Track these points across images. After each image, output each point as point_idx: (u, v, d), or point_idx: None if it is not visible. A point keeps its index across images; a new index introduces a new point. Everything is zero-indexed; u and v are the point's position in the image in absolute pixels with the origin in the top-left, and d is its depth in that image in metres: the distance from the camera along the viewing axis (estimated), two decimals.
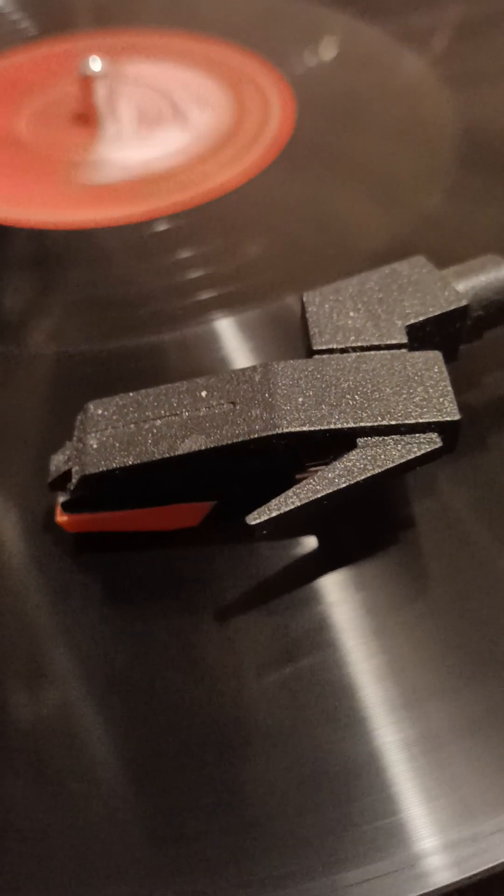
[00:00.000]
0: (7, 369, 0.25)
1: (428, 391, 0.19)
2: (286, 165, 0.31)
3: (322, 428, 0.18)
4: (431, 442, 0.19)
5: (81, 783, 0.17)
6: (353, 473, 0.18)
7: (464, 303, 0.21)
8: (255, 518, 0.18)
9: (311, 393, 0.19)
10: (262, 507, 0.18)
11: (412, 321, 0.20)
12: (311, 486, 0.18)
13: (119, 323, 0.26)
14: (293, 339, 0.23)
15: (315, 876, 0.15)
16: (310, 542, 0.20)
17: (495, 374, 0.23)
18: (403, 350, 0.20)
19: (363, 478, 0.18)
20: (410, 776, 0.16)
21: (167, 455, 0.18)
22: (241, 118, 0.34)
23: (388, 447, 0.18)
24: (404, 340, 0.20)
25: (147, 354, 0.25)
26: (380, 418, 0.19)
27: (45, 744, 0.17)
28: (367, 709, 0.17)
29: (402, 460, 0.18)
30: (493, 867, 0.15)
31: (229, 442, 0.18)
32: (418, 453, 0.18)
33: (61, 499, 0.20)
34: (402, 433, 0.19)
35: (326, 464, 0.18)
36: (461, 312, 0.21)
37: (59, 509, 0.20)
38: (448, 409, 0.19)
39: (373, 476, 0.18)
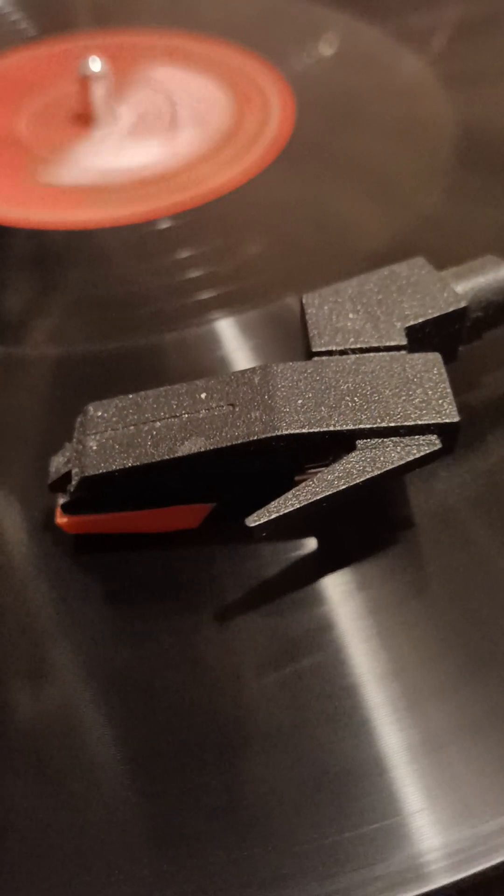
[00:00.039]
0: (7, 369, 0.25)
1: (427, 393, 0.19)
2: (286, 165, 0.31)
3: (321, 430, 0.18)
4: (431, 443, 0.19)
5: (81, 783, 0.17)
6: (353, 475, 0.18)
7: (463, 304, 0.21)
8: (255, 520, 0.18)
9: (310, 395, 0.19)
10: (262, 509, 0.18)
11: (411, 323, 0.20)
12: (310, 487, 0.18)
13: (119, 323, 0.26)
14: (293, 340, 0.23)
15: (315, 876, 0.15)
16: (310, 543, 0.20)
17: (495, 374, 0.23)
18: (403, 352, 0.20)
19: (362, 479, 0.18)
20: (411, 776, 0.17)
21: (167, 457, 0.19)
22: (241, 118, 0.34)
23: (388, 449, 0.18)
24: (403, 342, 0.20)
25: (147, 355, 0.25)
26: (379, 420, 0.19)
27: (45, 744, 0.17)
28: (368, 709, 0.17)
29: (402, 462, 0.18)
30: (493, 867, 0.15)
31: (229, 444, 0.18)
32: (417, 455, 0.18)
33: (61, 500, 0.20)
34: (401, 435, 0.19)
35: (326, 465, 0.19)
36: (460, 314, 0.21)
37: (58, 511, 0.20)
38: (447, 411, 0.19)
39: (372, 478, 0.18)
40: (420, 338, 0.21)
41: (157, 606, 0.19)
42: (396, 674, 0.18)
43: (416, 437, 0.19)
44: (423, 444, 0.19)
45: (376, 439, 0.19)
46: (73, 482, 0.19)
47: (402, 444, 0.19)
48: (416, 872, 0.15)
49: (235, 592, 0.19)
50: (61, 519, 0.20)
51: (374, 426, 0.18)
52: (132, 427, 0.19)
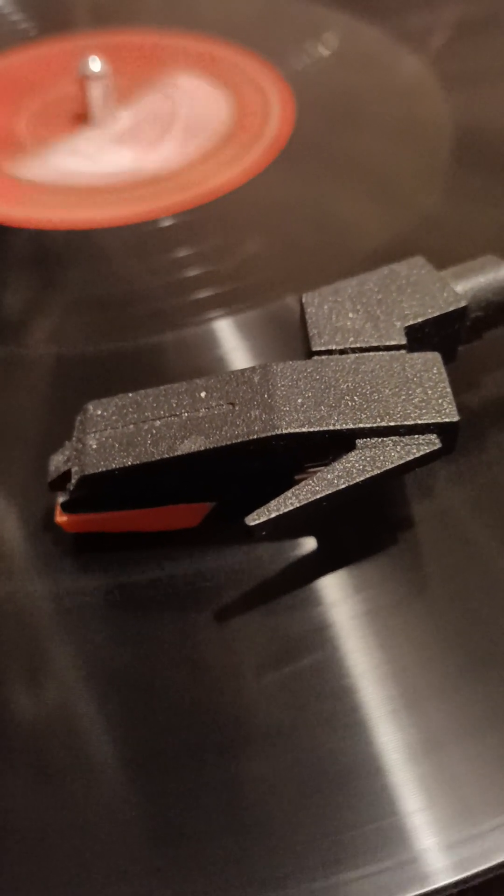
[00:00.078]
0: (7, 369, 0.25)
1: (427, 392, 0.19)
2: (286, 165, 0.31)
3: (321, 429, 0.18)
4: (430, 443, 0.19)
5: (81, 783, 0.17)
6: (353, 474, 0.18)
7: (462, 304, 0.21)
8: (255, 519, 0.18)
9: (310, 394, 0.19)
10: (262, 508, 0.18)
11: (411, 322, 0.20)
12: (310, 487, 0.18)
13: (119, 323, 0.26)
14: (292, 340, 0.23)
15: (315, 876, 0.15)
16: (309, 543, 0.20)
17: (494, 374, 0.23)
18: (402, 351, 0.20)
19: (362, 479, 0.18)
20: (410, 776, 0.17)
21: (166, 456, 0.19)
22: (241, 118, 0.34)
23: (387, 448, 0.18)
24: (403, 341, 0.20)
25: (147, 355, 0.25)
26: (379, 419, 0.19)
27: (46, 743, 0.17)
28: (367, 709, 0.17)
29: (402, 461, 0.18)
30: (493, 867, 0.15)
31: (228, 443, 0.18)
32: (417, 454, 0.18)
33: (61, 499, 0.20)
34: (401, 434, 0.19)
35: (325, 465, 0.19)
36: (460, 313, 0.21)
37: (58, 509, 0.20)
38: (447, 410, 0.19)
39: (372, 477, 0.18)
40: (420, 337, 0.21)
41: (156, 606, 0.19)
42: (396, 673, 0.18)
43: (416, 436, 0.19)
44: (422, 444, 0.19)
45: (376, 438, 0.19)
46: (73, 481, 0.19)
47: (401, 444, 0.19)
48: (416, 872, 0.15)
49: (235, 592, 0.19)
50: (61, 517, 0.20)
51: (374, 425, 0.18)
52: (132, 426, 0.19)
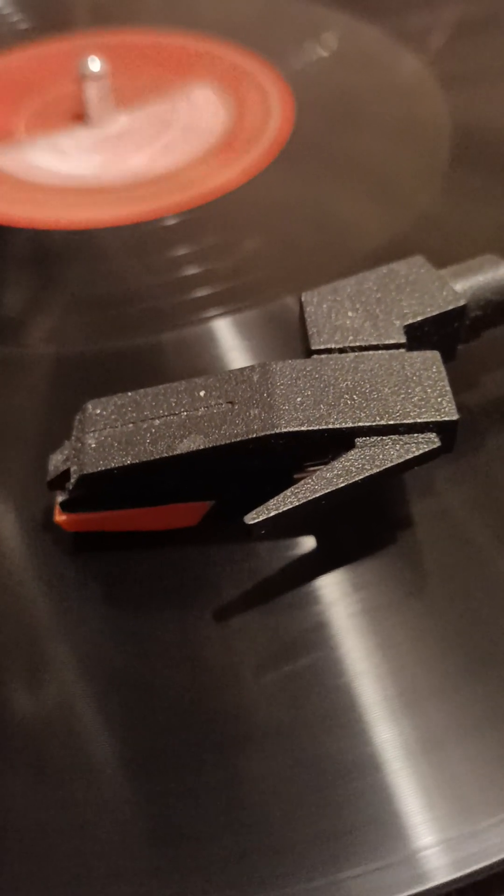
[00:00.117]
0: (6, 369, 0.25)
1: (426, 391, 0.19)
2: (285, 165, 0.31)
3: (320, 428, 0.18)
4: (430, 442, 0.19)
5: (81, 783, 0.17)
6: (352, 473, 0.18)
7: (462, 303, 0.21)
8: (254, 517, 0.18)
9: (309, 393, 0.19)
10: (261, 507, 0.18)
11: (410, 321, 0.20)
12: (309, 485, 0.18)
13: (118, 323, 0.26)
14: (292, 339, 0.23)
15: (315, 876, 0.15)
16: (308, 542, 0.20)
17: (493, 373, 0.23)
18: (402, 350, 0.20)
19: (361, 477, 0.18)
20: (410, 776, 0.17)
21: (165, 455, 0.18)
22: (241, 118, 0.34)
23: (387, 447, 0.18)
24: (402, 340, 0.20)
25: (146, 354, 0.25)
26: (378, 418, 0.19)
27: (46, 743, 0.17)
28: (367, 708, 0.17)
29: (401, 460, 0.18)
30: (492, 866, 0.15)
31: (228, 442, 0.18)
32: (417, 453, 0.18)
33: (60, 498, 0.20)
34: (400, 433, 0.19)
35: (325, 463, 0.18)
36: (459, 312, 0.21)
37: (57, 509, 0.20)
38: (446, 409, 0.19)
39: (371, 476, 0.18)
40: (419, 336, 0.21)
41: (156, 605, 0.19)
42: (395, 673, 0.18)
43: (416, 435, 0.19)
44: (422, 443, 0.19)
45: (375, 437, 0.19)
46: (72, 480, 0.19)
47: (401, 442, 0.18)
48: (415, 871, 0.15)
49: (234, 591, 0.19)
50: (60, 517, 0.20)
51: (374, 424, 0.18)
52: (131, 425, 0.19)
